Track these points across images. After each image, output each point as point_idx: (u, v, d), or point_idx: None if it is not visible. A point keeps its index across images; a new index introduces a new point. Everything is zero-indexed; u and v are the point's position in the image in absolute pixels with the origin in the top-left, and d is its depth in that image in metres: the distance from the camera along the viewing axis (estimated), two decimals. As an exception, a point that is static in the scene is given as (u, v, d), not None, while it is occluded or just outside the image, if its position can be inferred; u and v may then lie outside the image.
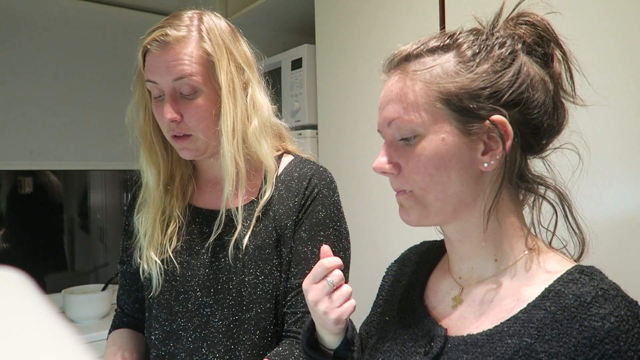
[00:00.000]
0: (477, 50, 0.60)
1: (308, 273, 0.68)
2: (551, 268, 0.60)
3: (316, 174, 0.94)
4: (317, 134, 1.89)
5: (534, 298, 0.58)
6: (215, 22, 0.90)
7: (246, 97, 0.90)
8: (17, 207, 2.35)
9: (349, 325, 0.72)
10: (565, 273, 0.58)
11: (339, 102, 1.77)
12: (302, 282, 0.85)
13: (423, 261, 0.76)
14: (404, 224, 0.67)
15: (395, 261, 0.83)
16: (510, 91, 0.59)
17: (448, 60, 0.60)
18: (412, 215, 0.64)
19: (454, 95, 0.59)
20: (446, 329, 0.63)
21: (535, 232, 0.65)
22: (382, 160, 0.64)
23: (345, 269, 0.91)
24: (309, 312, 0.72)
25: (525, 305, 0.58)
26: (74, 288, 2.09)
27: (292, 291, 0.90)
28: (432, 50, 0.62)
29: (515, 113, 0.60)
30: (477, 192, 0.61)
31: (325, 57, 1.84)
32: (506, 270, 0.62)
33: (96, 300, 2.05)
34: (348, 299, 0.68)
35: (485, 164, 0.60)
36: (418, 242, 0.83)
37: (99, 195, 2.50)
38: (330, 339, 0.72)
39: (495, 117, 0.58)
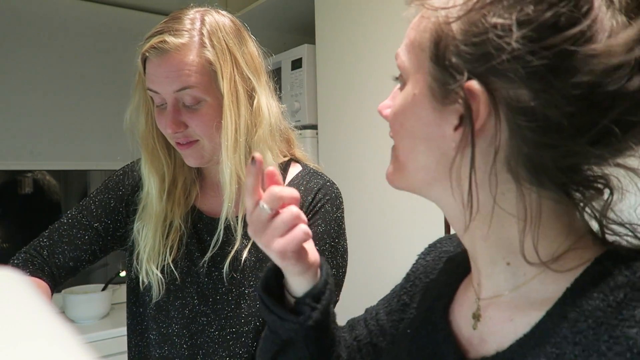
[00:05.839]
0: None
1: None
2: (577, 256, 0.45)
3: (322, 189, 0.91)
4: (317, 134, 1.89)
5: (552, 303, 0.44)
6: (219, 22, 0.86)
7: (251, 105, 0.86)
8: (17, 207, 2.35)
9: (321, 273, 0.59)
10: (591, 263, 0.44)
11: (339, 102, 1.77)
12: None
13: (457, 263, 0.61)
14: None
15: (430, 250, 0.69)
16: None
17: None
18: (389, 169, 0.54)
19: (450, 39, 0.44)
20: (462, 353, 0.50)
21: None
22: (384, 102, 0.55)
23: (337, 286, 0.86)
24: None
25: (543, 314, 0.44)
26: (74, 288, 2.09)
27: None
28: None
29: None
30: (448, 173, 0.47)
31: (325, 57, 1.84)
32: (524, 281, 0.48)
33: (96, 300, 2.04)
34: (293, 225, 0.54)
35: (454, 143, 0.46)
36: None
37: (99, 195, 2.50)
38: (294, 282, 0.59)
39: (471, 83, 0.43)
